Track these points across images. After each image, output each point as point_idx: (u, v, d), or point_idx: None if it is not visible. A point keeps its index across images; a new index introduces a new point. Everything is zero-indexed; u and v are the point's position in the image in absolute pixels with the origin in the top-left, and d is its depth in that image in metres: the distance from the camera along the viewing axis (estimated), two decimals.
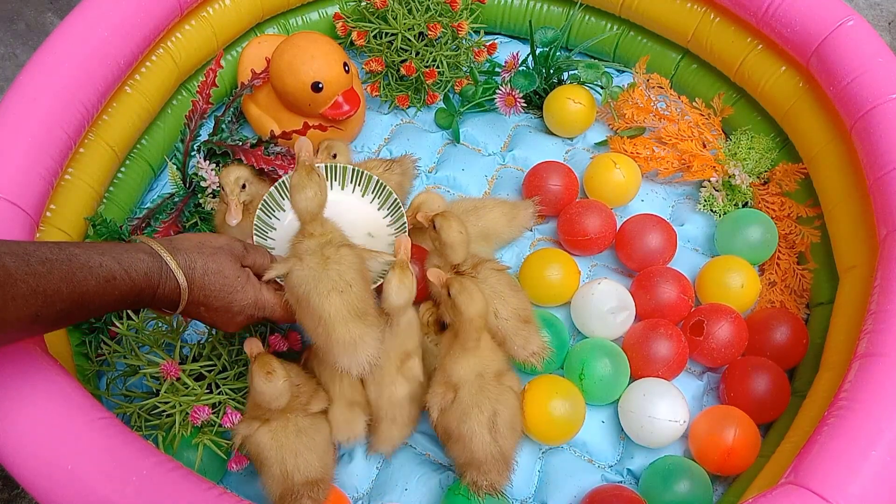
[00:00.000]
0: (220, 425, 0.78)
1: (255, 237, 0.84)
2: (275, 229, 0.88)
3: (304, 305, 0.72)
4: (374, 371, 0.78)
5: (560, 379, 0.88)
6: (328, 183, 0.90)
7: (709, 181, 1.06)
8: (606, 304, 0.91)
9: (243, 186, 0.92)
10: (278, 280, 0.75)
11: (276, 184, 0.88)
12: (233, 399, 0.81)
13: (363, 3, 1.14)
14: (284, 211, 0.89)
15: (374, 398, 0.81)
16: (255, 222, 0.84)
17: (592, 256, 1.04)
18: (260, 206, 0.86)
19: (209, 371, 0.82)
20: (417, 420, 0.85)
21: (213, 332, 0.85)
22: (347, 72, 1.03)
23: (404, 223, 0.88)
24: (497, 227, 0.98)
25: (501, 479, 0.77)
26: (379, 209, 0.92)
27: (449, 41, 1.15)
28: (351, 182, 0.92)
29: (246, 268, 0.73)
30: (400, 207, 0.90)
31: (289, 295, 0.74)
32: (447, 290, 0.77)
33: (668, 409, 0.83)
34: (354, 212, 0.90)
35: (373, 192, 0.92)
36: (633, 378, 0.90)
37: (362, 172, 0.92)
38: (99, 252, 0.62)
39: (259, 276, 0.75)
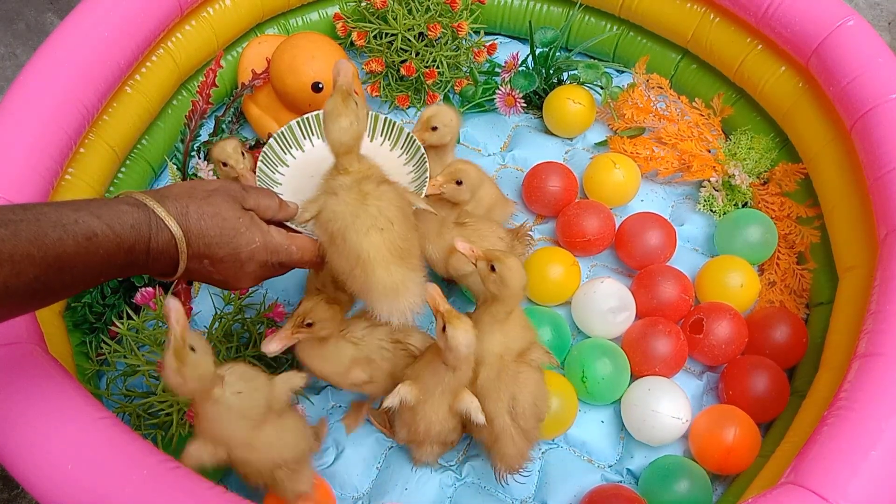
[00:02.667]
0: None
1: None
2: (280, 185, 0.81)
3: (339, 244, 0.65)
4: (424, 410, 0.75)
5: (550, 373, 0.87)
6: None
7: (709, 181, 1.07)
8: (607, 303, 0.91)
9: (241, 155, 0.87)
10: (300, 228, 0.68)
11: (276, 134, 0.83)
12: None
13: (363, 4, 1.14)
14: (287, 166, 0.83)
15: (423, 430, 0.78)
16: (257, 174, 0.78)
17: (592, 256, 1.04)
18: (260, 158, 0.80)
19: None
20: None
21: (213, 329, 0.85)
22: None
23: (426, 177, 0.81)
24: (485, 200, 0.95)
25: (523, 458, 0.78)
26: (405, 164, 0.85)
27: (449, 41, 1.15)
28: (381, 135, 0.87)
29: (248, 210, 0.65)
30: (425, 162, 0.82)
31: (320, 232, 0.67)
32: (489, 265, 0.73)
33: (671, 405, 0.83)
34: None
35: (402, 147, 0.86)
36: (633, 376, 0.90)
37: (394, 123, 0.86)
38: (73, 208, 0.53)
39: (267, 221, 0.67)
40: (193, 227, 0.59)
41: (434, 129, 0.86)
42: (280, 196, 0.69)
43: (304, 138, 0.86)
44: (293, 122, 0.84)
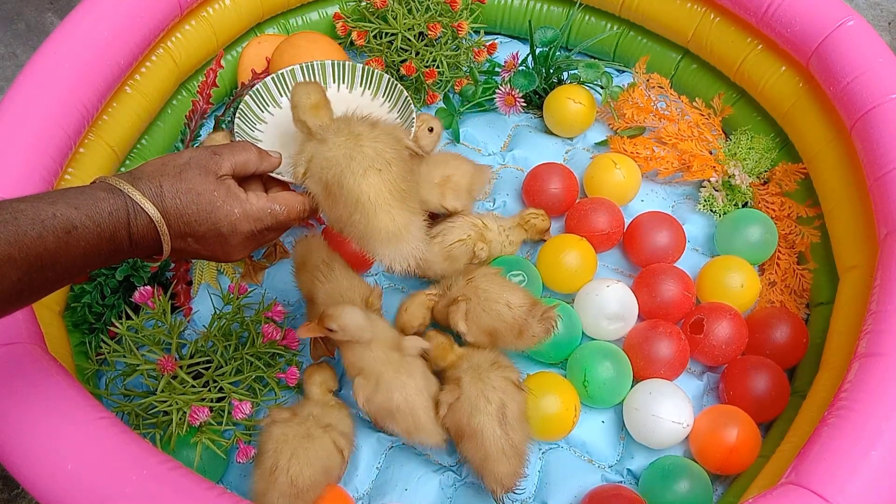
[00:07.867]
0: (227, 422, 0.79)
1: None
2: (261, 142, 0.79)
3: (335, 191, 0.62)
4: (401, 397, 0.77)
5: (553, 375, 0.88)
6: (335, 84, 0.84)
7: (709, 181, 1.06)
8: (607, 308, 0.91)
9: None
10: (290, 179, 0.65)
11: (251, 92, 0.81)
12: (235, 392, 0.81)
13: (363, 3, 1.14)
14: (266, 123, 0.82)
15: (413, 423, 0.79)
16: (235, 131, 0.77)
17: (599, 255, 1.03)
18: (237, 115, 0.78)
19: (206, 368, 0.82)
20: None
21: (212, 329, 0.85)
22: None
23: (412, 118, 0.79)
24: (458, 180, 0.96)
25: (517, 476, 0.77)
26: (390, 111, 0.83)
27: (449, 41, 1.15)
28: (361, 84, 0.85)
29: (223, 178, 0.62)
30: (410, 105, 0.80)
31: (312, 185, 0.64)
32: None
33: (672, 409, 0.83)
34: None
35: (384, 95, 0.84)
36: (636, 379, 0.90)
37: (373, 71, 0.84)
38: (49, 202, 0.52)
39: (251, 176, 0.65)
40: (170, 206, 0.58)
41: (431, 129, 0.85)
42: (257, 146, 0.67)
43: (281, 95, 0.84)
44: (268, 79, 0.83)
